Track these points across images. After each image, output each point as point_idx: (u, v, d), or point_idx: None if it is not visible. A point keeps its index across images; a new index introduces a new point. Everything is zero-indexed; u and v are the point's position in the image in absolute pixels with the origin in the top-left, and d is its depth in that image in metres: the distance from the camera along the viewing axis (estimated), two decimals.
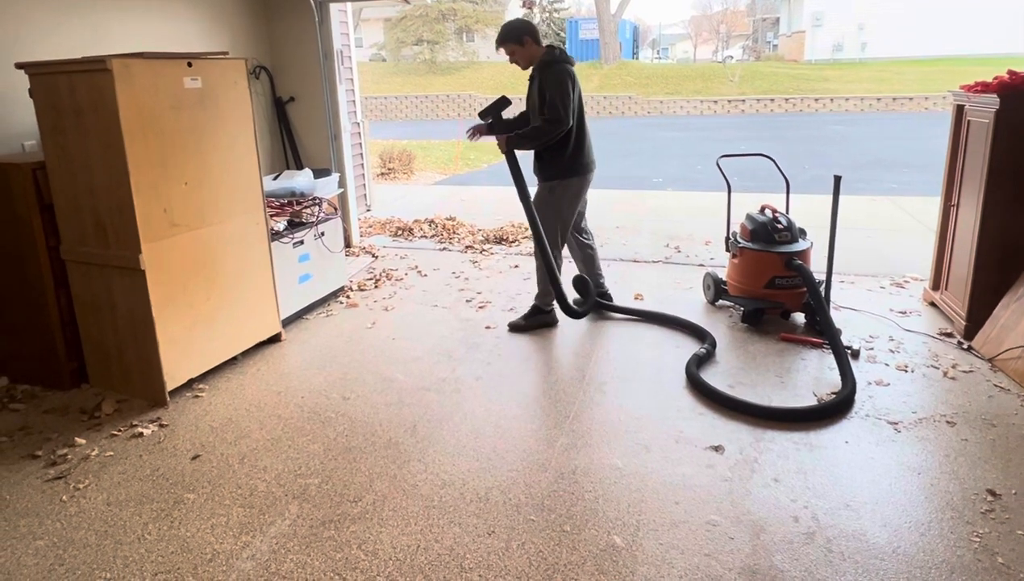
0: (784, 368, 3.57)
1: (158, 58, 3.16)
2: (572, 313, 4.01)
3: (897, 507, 2.45)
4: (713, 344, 3.75)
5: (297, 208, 4.44)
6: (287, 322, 4.23)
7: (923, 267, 4.69)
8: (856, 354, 3.65)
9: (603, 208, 7.32)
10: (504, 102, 4.12)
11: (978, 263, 3.71)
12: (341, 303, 4.73)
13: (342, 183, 5.48)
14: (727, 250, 4.38)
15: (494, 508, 2.50)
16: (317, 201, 4.55)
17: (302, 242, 4.34)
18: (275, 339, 4.05)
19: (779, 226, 4.08)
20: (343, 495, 2.60)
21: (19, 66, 3.14)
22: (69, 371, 3.50)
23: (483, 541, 2.33)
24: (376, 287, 5.06)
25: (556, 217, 3.99)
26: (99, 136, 3.03)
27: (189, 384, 3.49)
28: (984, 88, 3.72)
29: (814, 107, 20.80)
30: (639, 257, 5.69)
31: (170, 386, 3.34)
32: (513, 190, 3.96)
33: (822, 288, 3.91)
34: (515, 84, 20.84)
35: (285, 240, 4.19)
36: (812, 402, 3.21)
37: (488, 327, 4.24)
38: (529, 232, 5.49)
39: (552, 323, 4.21)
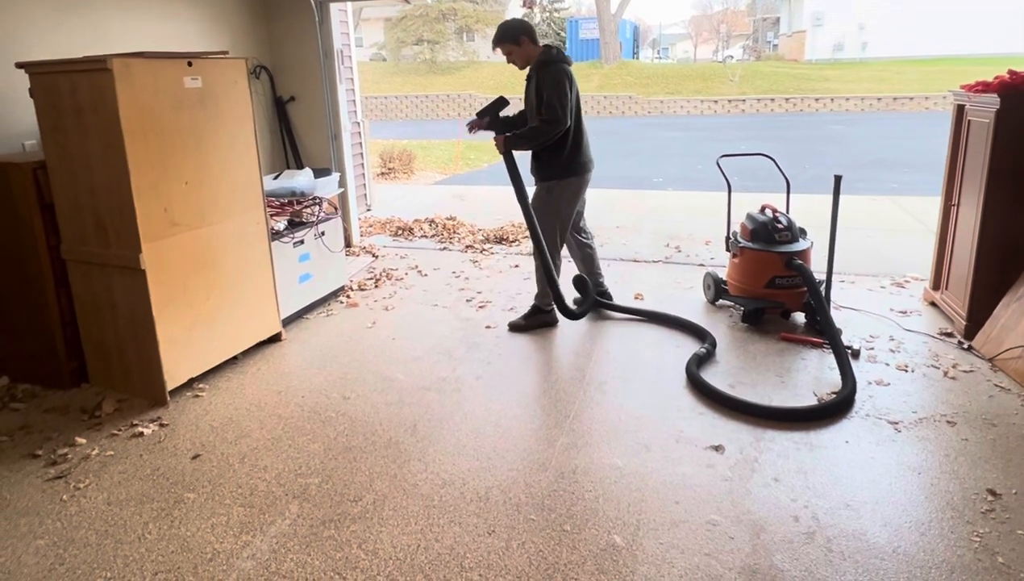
0: (784, 368, 3.57)
1: (158, 58, 3.16)
2: (569, 314, 4.01)
3: (897, 507, 2.45)
4: (713, 344, 3.75)
5: (297, 208, 4.44)
6: (287, 322, 4.23)
7: (923, 267, 4.69)
8: (856, 354, 3.65)
9: (603, 208, 7.33)
10: (502, 102, 4.12)
11: (978, 263, 3.71)
12: (341, 303, 4.73)
13: (342, 183, 5.48)
14: (727, 250, 4.38)
15: (494, 507, 2.50)
16: (317, 201, 4.55)
17: (302, 242, 4.34)
18: (275, 339, 4.05)
19: (779, 226, 4.08)
20: (343, 494, 2.60)
21: (19, 65, 3.15)
22: (69, 370, 3.50)
23: (483, 540, 2.33)
24: (376, 287, 5.06)
25: (555, 217, 3.99)
26: (99, 135, 3.03)
27: (189, 383, 3.49)
28: (985, 88, 3.72)
29: (814, 107, 20.80)
30: (639, 257, 5.69)
31: (170, 385, 3.34)
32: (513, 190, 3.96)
33: (822, 288, 3.91)
34: (515, 84, 20.73)
35: (285, 240, 4.19)
36: (812, 402, 3.21)
37: (488, 327, 4.24)
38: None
39: (552, 323, 4.21)
